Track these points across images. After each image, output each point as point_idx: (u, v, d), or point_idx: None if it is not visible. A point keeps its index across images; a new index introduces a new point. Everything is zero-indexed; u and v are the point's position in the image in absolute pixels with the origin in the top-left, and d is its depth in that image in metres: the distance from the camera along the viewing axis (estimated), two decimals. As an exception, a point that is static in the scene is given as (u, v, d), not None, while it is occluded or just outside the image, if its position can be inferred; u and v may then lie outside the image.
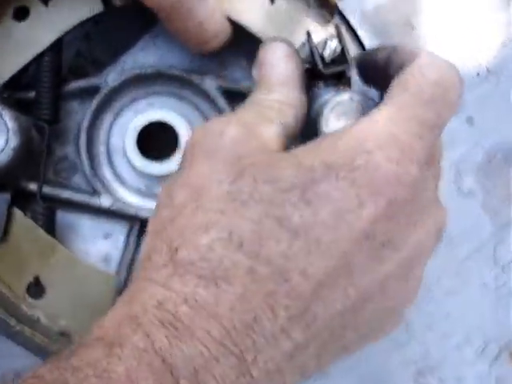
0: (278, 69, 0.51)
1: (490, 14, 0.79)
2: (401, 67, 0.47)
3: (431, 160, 0.46)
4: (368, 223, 0.37)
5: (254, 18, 0.60)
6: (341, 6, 0.66)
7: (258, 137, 0.43)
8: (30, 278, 0.58)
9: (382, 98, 0.53)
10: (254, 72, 0.52)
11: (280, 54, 0.52)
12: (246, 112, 0.46)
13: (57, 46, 0.62)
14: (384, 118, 0.42)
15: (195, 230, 0.37)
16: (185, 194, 0.39)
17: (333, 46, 0.58)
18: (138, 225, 0.64)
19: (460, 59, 0.78)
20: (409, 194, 0.39)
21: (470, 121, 0.77)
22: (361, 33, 0.73)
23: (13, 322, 0.55)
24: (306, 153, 0.40)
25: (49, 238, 0.59)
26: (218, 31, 0.57)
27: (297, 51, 0.54)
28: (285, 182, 0.37)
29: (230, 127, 0.43)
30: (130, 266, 0.64)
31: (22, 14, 0.61)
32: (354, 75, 0.62)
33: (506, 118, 0.77)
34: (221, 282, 0.34)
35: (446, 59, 0.49)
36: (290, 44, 0.53)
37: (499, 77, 0.78)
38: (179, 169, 0.44)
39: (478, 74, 0.78)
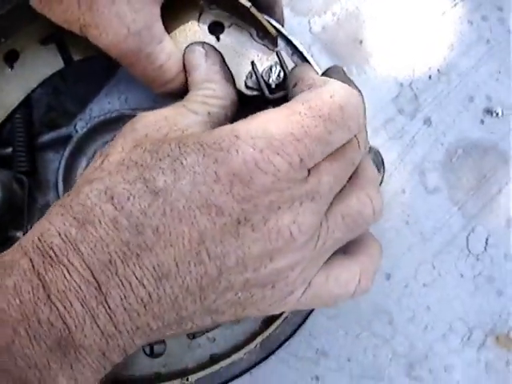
0: (199, 68, 0.58)
1: (435, 18, 0.83)
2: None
3: (311, 171, 0.46)
4: (220, 199, 0.42)
5: (202, 55, 0.65)
6: (290, 30, 0.70)
7: (171, 124, 0.48)
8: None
9: None
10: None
11: (198, 54, 0.59)
12: (169, 107, 0.52)
13: (26, 103, 0.67)
14: (269, 115, 0.46)
15: (84, 183, 0.44)
16: (99, 160, 0.47)
17: (276, 72, 0.62)
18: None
19: (411, 64, 0.82)
20: (269, 181, 0.43)
21: (427, 121, 0.81)
22: (314, 51, 0.77)
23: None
24: (195, 135, 0.45)
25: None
26: (177, 72, 0.61)
27: (213, 47, 0.61)
28: (162, 153, 0.43)
29: (149, 115, 0.50)
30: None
31: (-9, 78, 0.66)
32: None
33: (461, 115, 0.81)
34: (88, 225, 0.41)
35: (354, 89, 0.51)
36: (204, 43, 0.60)
37: (450, 77, 0.82)
38: None
39: (430, 77, 0.82)
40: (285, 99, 0.63)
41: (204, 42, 0.61)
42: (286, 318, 0.60)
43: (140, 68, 0.61)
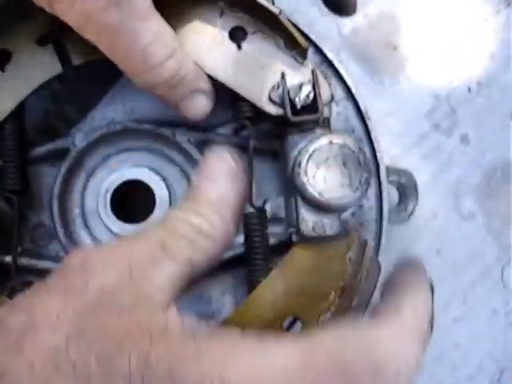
0: (215, 186, 0.45)
1: (477, 25, 0.75)
2: None
3: None
4: None
5: (220, 65, 0.57)
6: (317, 32, 0.62)
7: (141, 284, 0.39)
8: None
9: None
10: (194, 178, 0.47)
11: (222, 168, 0.46)
12: (138, 238, 0.41)
13: (18, 112, 0.59)
14: (272, 357, 0.37)
15: None
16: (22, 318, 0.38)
17: (306, 92, 0.55)
18: (121, 288, 0.61)
19: (449, 75, 0.74)
20: None
21: (465, 139, 0.73)
22: (342, 57, 0.70)
23: None
24: (169, 362, 0.37)
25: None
26: (165, 59, 0.51)
27: (245, 166, 0.48)
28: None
29: (109, 271, 0.38)
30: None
31: (-23, 81, 0.57)
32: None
33: (502, 133, 0.74)
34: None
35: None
36: (237, 157, 0.47)
37: (491, 90, 0.74)
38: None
39: (470, 90, 0.74)
40: (309, 122, 0.56)
41: (238, 153, 0.49)
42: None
43: (121, 50, 0.50)
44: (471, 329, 0.73)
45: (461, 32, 0.74)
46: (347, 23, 0.74)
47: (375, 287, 0.54)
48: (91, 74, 0.64)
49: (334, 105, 0.62)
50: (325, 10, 0.74)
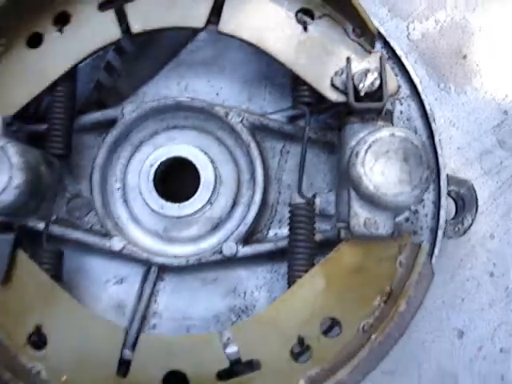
0: None
1: None
2: None
3: None
4: None
5: (285, 48, 0.54)
6: (386, 34, 0.60)
7: None
8: (32, 327, 0.53)
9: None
10: None
11: None
12: None
13: (71, 76, 0.58)
14: None
15: None
16: None
17: (371, 78, 0.51)
18: (155, 269, 0.59)
19: None
20: None
21: None
22: (409, 61, 0.66)
23: (7, 376, 0.50)
24: None
25: (53, 283, 0.54)
26: None
27: None
28: None
29: None
30: (144, 316, 0.59)
31: (35, 40, 0.57)
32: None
33: None
34: None
35: None
36: None
37: None
38: None
39: None
40: (372, 111, 0.53)
41: None
42: (340, 381, 0.48)
43: None
44: None
45: None
46: (417, 27, 0.71)
47: (426, 292, 0.50)
48: (149, 48, 0.63)
49: (397, 102, 0.59)
50: (395, 11, 0.71)
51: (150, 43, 0.63)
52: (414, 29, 0.72)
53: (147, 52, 0.64)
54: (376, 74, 0.52)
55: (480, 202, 0.66)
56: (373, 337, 0.49)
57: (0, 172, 0.51)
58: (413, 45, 0.69)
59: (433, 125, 0.58)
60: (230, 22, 0.55)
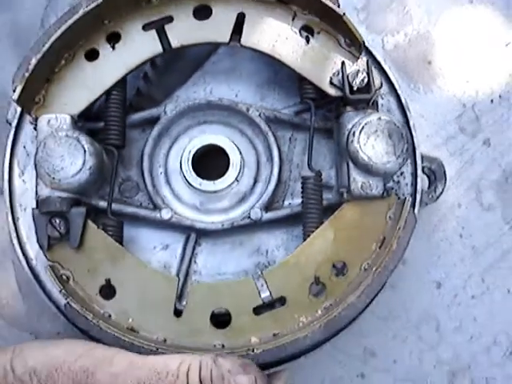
0: None
1: (499, 48, 0.88)
2: None
3: None
4: None
5: (292, 55, 0.70)
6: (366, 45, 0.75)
7: None
8: (102, 281, 0.66)
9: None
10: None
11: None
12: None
13: (122, 83, 0.72)
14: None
15: None
16: None
17: (361, 77, 0.67)
18: (193, 236, 0.72)
19: (475, 88, 0.87)
20: None
21: (487, 142, 0.86)
22: (385, 67, 0.82)
23: (90, 316, 0.63)
24: None
25: (118, 246, 0.67)
26: None
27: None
28: None
29: None
30: (187, 273, 0.72)
31: (92, 55, 0.71)
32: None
33: None
34: None
35: None
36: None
37: (510, 102, 0.86)
38: None
39: (492, 101, 0.86)
40: (368, 103, 0.68)
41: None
42: (352, 303, 0.63)
43: None
44: (488, 306, 0.82)
45: (486, 53, 0.88)
46: (390, 40, 0.87)
47: (411, 234, 0.65)
48: (177, 63, 0.78)
49: (379, 97, 0.75)
50: (371, 27, 0.88)
51: (176, 58, 0.78)
52: (387, 41, 0.88)
53: (175, 65, 0.78)
54: (365, 74, 0.68)
55: (448, 179, 0.82)
56: (373, 269, 0.64)
57: (76, 157, 0.65)
58: (387, 54, 0.84)
59: (407, 113, 0.74)
60: (250, 38, 0.70)
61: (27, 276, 0.71)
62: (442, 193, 0.77)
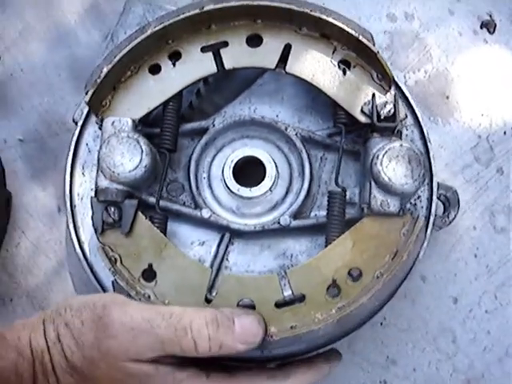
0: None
1: (511, 83, 0.97)
2: None
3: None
4: None
5: (330, 85, 0.79)
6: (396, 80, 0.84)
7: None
8: (145, 265, 0.75)
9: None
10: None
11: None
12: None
13: (178, 96, 0.82)
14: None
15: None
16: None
17: (388, 108, 0.76)
18: (227, 236, 0.81)
19: (489, 121, 0.96)
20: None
21: (500, 170, 0.94)
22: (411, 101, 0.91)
23: (133, 293, 0.72)
24: None
25: (162, 236, 0.76)
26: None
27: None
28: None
29: None
30: (219, 268, 0.81)
31: (155, 69, 0.81)
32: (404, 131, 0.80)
33: None
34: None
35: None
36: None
37: None
38: None
39: (505, 133, 0.96)
40: (393, 131, 0.77)
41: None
42: (362, 304, 0.71)
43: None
44: (500, 320, 0.90)
45: (499, 89, 0.97)
46: (412, 76, 0.97)
47: (421, 249, 0.73)
48: (227, 83, 0.88)
49: (404, 129, 0.84)
50: (395, 65, 0.97)
51: (227, 78, 0.87)
52: (409, 78, 0.98)
53: (225, 84, 0.88)
54: (392, 105, 0.77)
55: (463, 203, 0.91)
56: (384, 276, 0.72)
57: (134, 155, 0.75)
58: (409, 89, 0.90)
59: (429, 144, 0.82)
60: (294, 66, 0.79)
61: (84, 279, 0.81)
62: (454, 218, 0.85)
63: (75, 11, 1.01)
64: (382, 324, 0.91)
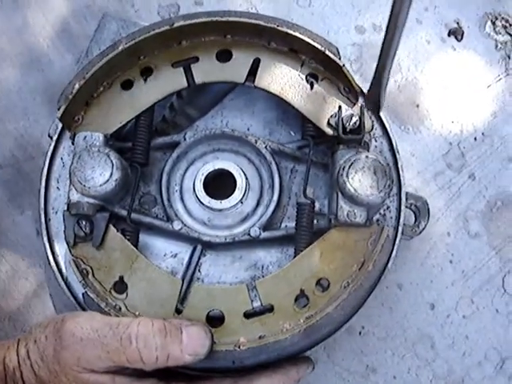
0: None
1: (481, 89, 0.99)
2: None
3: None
4: None
5: (297, 98, 0.81)
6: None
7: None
8: (117, 278, 0.76)
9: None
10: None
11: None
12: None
13: (150, 110, 0.83)
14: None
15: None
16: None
17: (354, 120, 0.78)
18: (199, 248, 0.82)
19: (460, 127, 0.97)
20: None
21: (472, 176, 0.96)
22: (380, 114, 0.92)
23: (103, 305, 0.73)
24: None
25: (133, 249, 0.77)
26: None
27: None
28: None
29: None
30: (191, 280, 0.82)
31: (127, 85, 0.82)
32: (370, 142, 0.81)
33: (501, 172, 0.96)
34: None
35: None
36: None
37: (493, 139, 0.97)
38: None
39: (476, 139, 0.97)
40: (359, 143, 0.78)
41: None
42: (329, 313, 0.72)
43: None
44: (478, 325, 0.91)
45: (469, 95, 0.98)
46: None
47: (389, 259, 0.74)
48: (199, 97, 0.89)
49: (373, 140, 0.85)
50: (364, 76, 0.98)
51: (199, 93, 0.89)
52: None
53: (197, 99, 0.90)
54: (357, 117, 0.78)
55: (437, 210, 0.92)
56: (350, 286, 0.73)
57: (105, 170, 0.76)
58: None
59: (397, 155, 0.83)
60: (262, 80, 0.81)
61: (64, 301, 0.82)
62: (424, 228, 0.86)
63: (47, 36, 1.03)
64: (360, 333, 0.92)
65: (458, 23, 1.00)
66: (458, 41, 1.00)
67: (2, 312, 0.95)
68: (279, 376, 0.72)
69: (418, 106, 0.98)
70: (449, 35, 1.00)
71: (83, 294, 0.75)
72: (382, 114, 0.85)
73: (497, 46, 1.00)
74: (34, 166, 1.00)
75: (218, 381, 0.71)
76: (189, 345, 0.67)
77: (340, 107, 0.79)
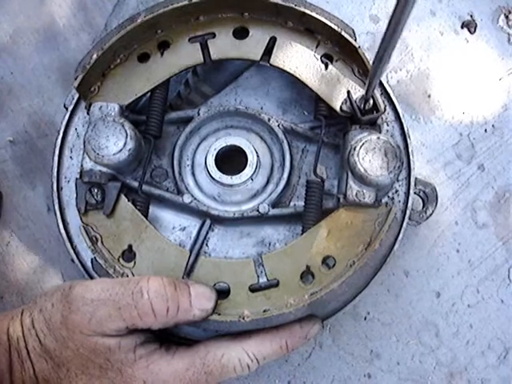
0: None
1: (493, 82, 0.99)
2: None
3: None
4: None
5: (312, 77, 0.81)
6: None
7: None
8: (125, 246, 0.77)
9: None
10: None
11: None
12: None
13: (166, 84, 0.84)
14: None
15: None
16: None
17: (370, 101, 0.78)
18: (208, 222, 0.83)
19: (470, 119, 0.98)
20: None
21: (481, 167, 0.96)
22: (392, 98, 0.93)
23: (111, 271, 0.74)
24: None
25: (143, 218, 0.78)
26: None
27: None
28: None
29: None
30: (198, 253, 0.82)
31: (143, 58, 0.83)
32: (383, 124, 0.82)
33: (510, 164, 0.97)
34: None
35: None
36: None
37: (503, 131, 0.97)
38: None
39: (486, 130, 0.97)
40: (372, 124, 0.79)
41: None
42: (333, 289, 0.72)
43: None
44: (483, 314, 0.91)
45: (481, 87, 0.98)
46: (394, 76, 0.99)
47: (397, 238, 0.75)
48: (214, 74, 0.90)
49: (384, 124, 0.85)
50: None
51: (215, 70, 0.90)
52: (391, 77, 1.00)
53: (213, 76, 0.90)
54: (371, 100, 0.79)
55: (445, 199, 0.93)
56: (356, 264, 0.74)
57: (119, 139, 0.77)
58: (391, 88, 0.94)
59: (408, 140, 0.84)
60: (278, 59, 0.82)
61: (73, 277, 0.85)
62: (431, 214, 0.86)
63: (64, 15, 1.04)
64: (365, 318, 0.93)
65: (471, 16, 1.00)
66: (471, 33, 1.00)
67: (11, 287, 0.96)
68: (281, 332, 0.73)
69: (429, 96, 0.99)
70: (462, 27, 1.00)
71: (92, 259, 0.76)
72: (393, 98, 0.86)
73: (509, 40, 1.00)
74: (46, 144, 1.00)
75: (217, 338, 0.72)
76: (196, 297, 0.69)
77: (349, 92, 0.79)
